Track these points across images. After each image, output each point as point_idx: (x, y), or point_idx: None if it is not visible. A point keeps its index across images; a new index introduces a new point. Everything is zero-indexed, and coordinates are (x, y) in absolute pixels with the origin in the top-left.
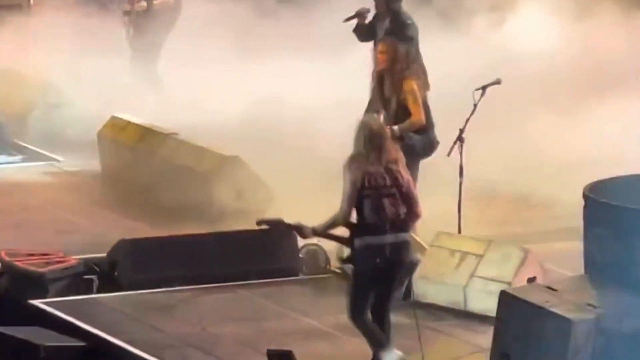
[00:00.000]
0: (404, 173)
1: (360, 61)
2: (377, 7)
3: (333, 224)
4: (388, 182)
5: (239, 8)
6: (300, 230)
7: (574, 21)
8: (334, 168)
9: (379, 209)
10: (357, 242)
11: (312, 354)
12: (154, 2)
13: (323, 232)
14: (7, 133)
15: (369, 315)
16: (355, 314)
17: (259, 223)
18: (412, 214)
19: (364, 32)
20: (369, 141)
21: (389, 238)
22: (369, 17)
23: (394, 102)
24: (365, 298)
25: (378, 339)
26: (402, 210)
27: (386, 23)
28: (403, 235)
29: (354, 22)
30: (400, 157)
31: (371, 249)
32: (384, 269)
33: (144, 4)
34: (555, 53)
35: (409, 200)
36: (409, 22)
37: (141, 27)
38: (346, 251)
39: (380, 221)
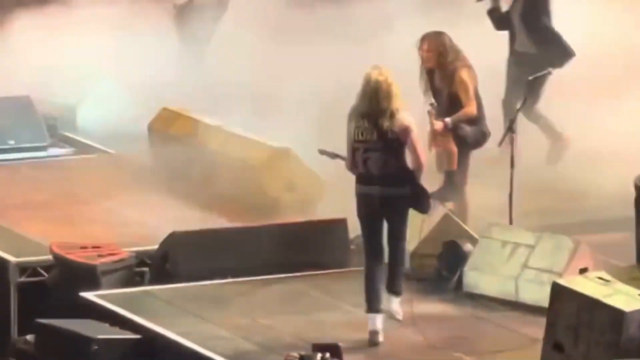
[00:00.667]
0: (404, 127)
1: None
2: None
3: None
4: (375, 136)
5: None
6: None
7: (621, 13)
8: None
9: (365, 161)
10: (355, 188)
11: (361, 347)
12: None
13: None
14: (57, 126)
15: (376, 274)
16: (366, 255)
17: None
18: (417, 165)
19: (497, 19)
20: (363, 93)
21: (377, 190)
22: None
23: (445, 93)
24: (368, 242)
25: (368, 298)
26: (396, 164)
27: (519, 9)
28: (393, 190)
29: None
30: (399, 107)
31: (362, 197)
32: (379, 216)
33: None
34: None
35: (411, 153)
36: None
37: (190, 20)
38: None
39: (368, 173)
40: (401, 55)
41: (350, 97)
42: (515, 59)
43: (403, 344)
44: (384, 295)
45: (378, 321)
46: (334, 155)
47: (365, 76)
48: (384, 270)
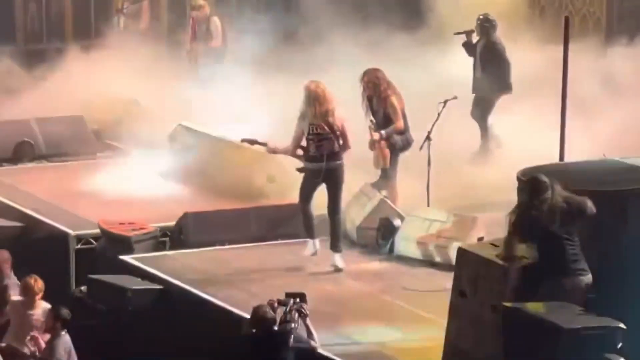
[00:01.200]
0: (338, 121)
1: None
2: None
3: (286, 152)
4: (327, 129)
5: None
6: (266, 147)
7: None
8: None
9: (320, 147)
10: (305, 165)
11: (319, 294)
12: (209, 44)
13: (282, 153)
14: (100, 136)
15: (310, 209)
16: (301, 201)
17: (242, 141)
18: (345, 146)
19: (468, 49)
20: (307, 100)
21: (324, 165)
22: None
23: (380, 113)
24: (305, 195)
25: (307, 228)
26: (336, 146)
27: (481, 45)
28: (335, 164)
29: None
30: (334, 108)
31: (312, 171)
32: (321, 182)
33: (197, 43)
34: None
35: (343, 139)
36: (499, 46)
37: (201, 59)
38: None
39: (319, 154)
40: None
41: None
42: (474, 82)
43: (351, 292)
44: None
45: (316, 243)
46: (253, 142)
47: (306, 88)
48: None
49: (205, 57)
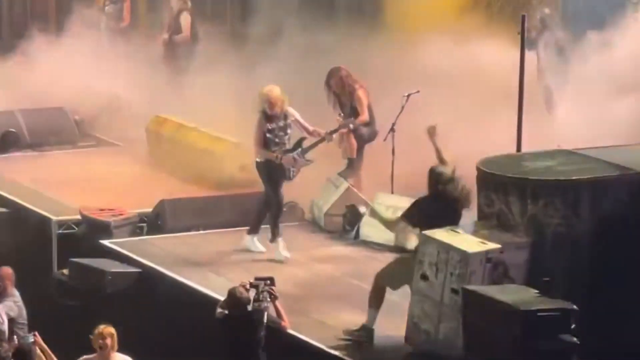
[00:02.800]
0: (294, 117)
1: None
2: None
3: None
4: (285, 128)
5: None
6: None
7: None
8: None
9: (280, 143)
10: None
11: (289, 278)
12: (176, 37)
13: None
14: (81, 127)
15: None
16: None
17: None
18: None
19: None
20: (268, 103)
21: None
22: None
23: (348, 107)
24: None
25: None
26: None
27: None
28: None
29: None
30: (288, 109)
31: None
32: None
33: (167, 37)
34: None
35: (304, 129)
36: None
37: (170, 55)
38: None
39: (278, 147)
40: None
41: None
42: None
43: (319, 276)
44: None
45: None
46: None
47: (262, 94)
48: None
49: (175, 50)
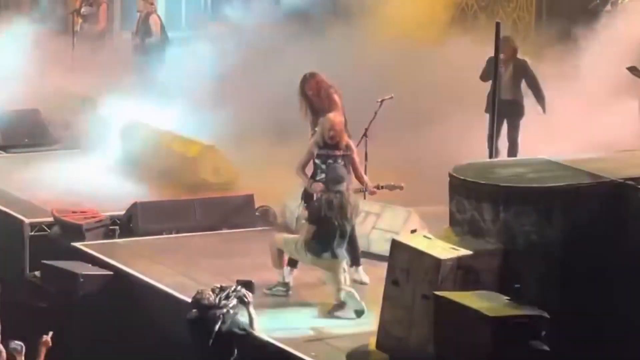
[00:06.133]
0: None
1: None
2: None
3: None
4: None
5: None
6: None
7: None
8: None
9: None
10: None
11: (265, 281)
12: (147, 40)
13: None
14: (55, 129)
15: None
16: None
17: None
18: None
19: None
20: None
21: None
22: None
23: (323, 112)
24: None
25: None
26: None
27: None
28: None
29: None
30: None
31: None
32: None
33: (137, 40)
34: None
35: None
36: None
37: (145, 56)
38: None
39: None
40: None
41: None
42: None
43: (293, 280)
44: None
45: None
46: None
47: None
48: None
49: (145, 52)
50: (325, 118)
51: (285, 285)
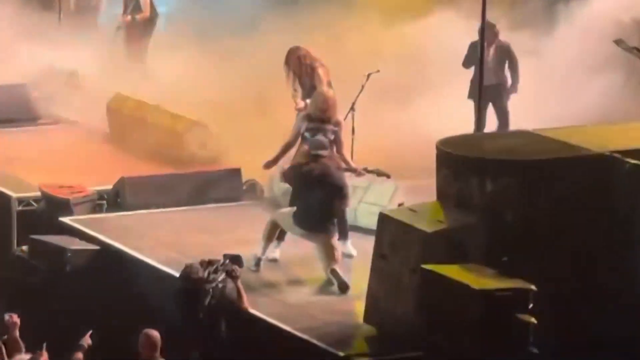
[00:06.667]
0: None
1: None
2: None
3: None
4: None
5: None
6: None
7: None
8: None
9: None
10: None
11: (252, 256)
12: (137, 17)
13: None
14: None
15: None
16: None
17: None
18: None
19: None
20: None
21: None
22: None
23: (307, 85)
24: None
25: None
26: None
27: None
28: None
29: None
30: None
31: None
32: None
33: (129, 17)
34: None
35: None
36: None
37: (130, 34)
38: None
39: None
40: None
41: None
42: None
43: (282, 255)
44: None
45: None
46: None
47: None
48: None
49: (134, 29)
50: (318, 92)
51: (257, 260)
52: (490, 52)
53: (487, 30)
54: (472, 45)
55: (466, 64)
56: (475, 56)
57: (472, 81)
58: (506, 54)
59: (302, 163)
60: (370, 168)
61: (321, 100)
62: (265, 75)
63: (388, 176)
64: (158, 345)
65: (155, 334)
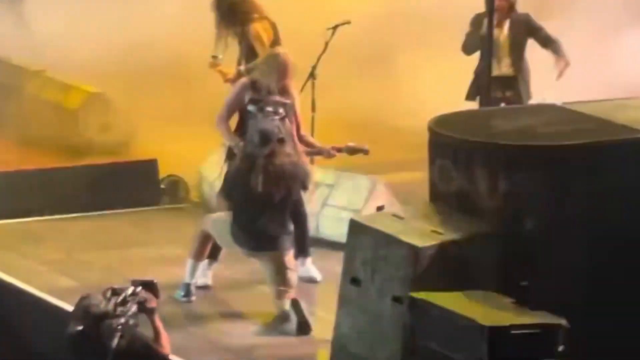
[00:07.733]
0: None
1: None
2: None
3: None
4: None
5: None
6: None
7: None
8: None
9: None
10: None
11: (174, 280)
12: None
13: None
14: None
15: None
16: None
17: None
18: None
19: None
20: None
21: None
22: None
23: (243, 45)
24: None
25: None
26: None
27: None
28: None
29: None
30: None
31: None
32: None
33: None
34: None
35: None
36: None
37: None
38: None
39: None
40: None
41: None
42: None
43: (215, 278)
44: None
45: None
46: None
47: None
48: None
49: None
50: (274, 53)
51: (187, 287)
52: (504, 30)
53: None
54: (476, 20)
55: (467, 47)
56: (477, 36)
57: (475, 73)
58: (526, 30)
59: (242, 168)
60: (340, 146)
61: (279, 63)
62: (190, 26)
63: (366, 152)
64: None
65: None
